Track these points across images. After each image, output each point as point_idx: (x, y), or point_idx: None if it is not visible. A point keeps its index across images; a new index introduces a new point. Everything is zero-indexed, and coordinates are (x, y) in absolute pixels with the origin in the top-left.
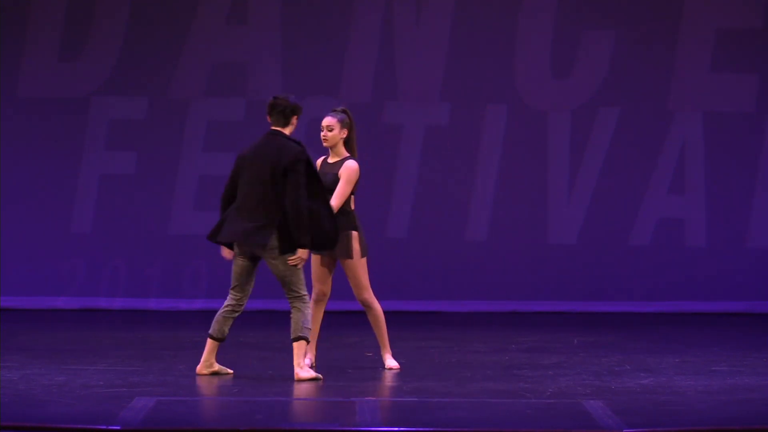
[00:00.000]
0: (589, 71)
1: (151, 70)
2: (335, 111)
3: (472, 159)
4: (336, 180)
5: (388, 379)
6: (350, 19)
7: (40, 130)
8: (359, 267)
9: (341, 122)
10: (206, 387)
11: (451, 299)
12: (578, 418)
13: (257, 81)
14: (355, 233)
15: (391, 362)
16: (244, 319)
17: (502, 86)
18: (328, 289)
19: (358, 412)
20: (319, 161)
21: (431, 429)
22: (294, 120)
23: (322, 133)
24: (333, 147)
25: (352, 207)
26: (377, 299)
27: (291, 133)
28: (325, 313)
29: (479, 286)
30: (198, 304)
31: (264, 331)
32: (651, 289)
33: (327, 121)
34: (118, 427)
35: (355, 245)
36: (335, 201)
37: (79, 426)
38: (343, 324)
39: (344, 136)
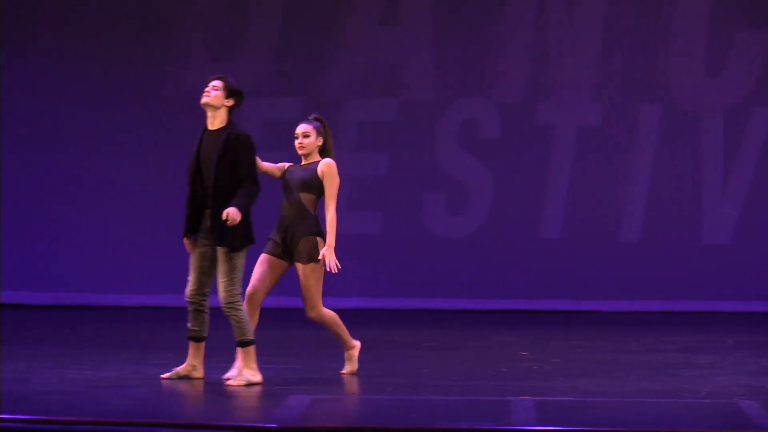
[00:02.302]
0: (743, 71)
1: (304, 71)
2: (309, 119)
3: (626, 159)
4: (304, 178)
5: (543, 378)
6: (502, 19)
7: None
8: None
9: (317, 130)
10: (360, 385)
11: (606, 299)
12: (734, 418)
13: (410, 82)
14: (320, 239)
15: (352, 364)
16: (394, 318)
17: (655, 86)
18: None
19: (512, 411)
20: (286, 166)
21: (586, 428)
22: None
23: (297, 141)
24: (308, 155)
25: (314, 212)
26: (534, 298)
27: None
28: (475, 312)
29: (634, 285)
30: (351, 303)
31: (413, 331)
32: None
33: (303, 128)
34: (275, 425)
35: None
36: (333, 205)
37: (235, 424)
38: (496, 323)
39: (320, 144)
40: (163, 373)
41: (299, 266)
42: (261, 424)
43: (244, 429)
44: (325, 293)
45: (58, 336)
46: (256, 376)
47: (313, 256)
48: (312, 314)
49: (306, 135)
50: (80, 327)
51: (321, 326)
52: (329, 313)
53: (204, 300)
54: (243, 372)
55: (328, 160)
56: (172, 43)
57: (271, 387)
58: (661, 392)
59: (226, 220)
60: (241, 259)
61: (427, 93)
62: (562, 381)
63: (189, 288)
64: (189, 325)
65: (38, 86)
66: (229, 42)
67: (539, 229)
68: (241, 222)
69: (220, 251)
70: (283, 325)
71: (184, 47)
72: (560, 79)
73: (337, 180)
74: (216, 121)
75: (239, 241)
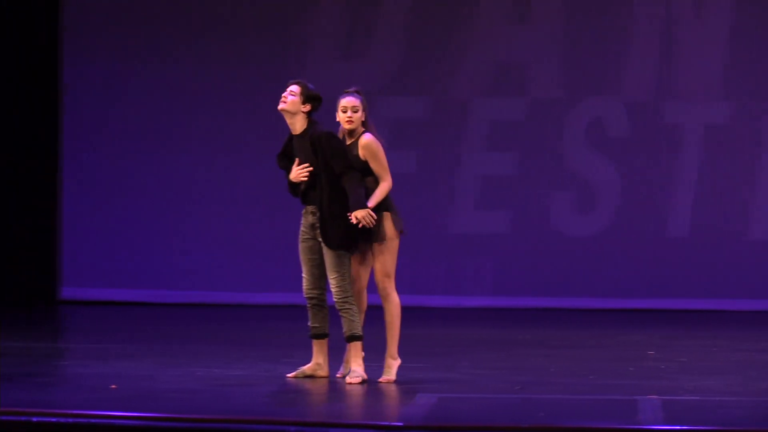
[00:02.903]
0: None
1: (433, 70)
2: (349, 92)
3: (753, 158)
4: (361, 162)
5: (670, 377)
6: (630, 17)
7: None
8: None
9: (363, 104)
10: (487, 384)
11: (735, 297)
12: None
13: (538, 80)
14: (388, 213)
15: (388, 373)
16: (521, 316)
17: None
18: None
19: (639, 410)
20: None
21: (713, 428)
22: None
23: (346, 115)
24: (353, 131)
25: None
26: (661, 297)
27: None
28: (602, 311)
29: (764, 283)
30: (479, 302)
31: (540, 329)
32: None
33: (352, 101)
34: (401, 424)
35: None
36: (387, 181)
37: (361, 422)
38: (623, 322)
39: (363, 119)
40: (290, 372)
41: (376, 245)
42: (387, 423)
43: (370, 427)
44: (455, 292)
45: (186, 334)
46: (364, 373)
47: (383, 234)
48: (384, 284)
49: (356, 109)
50: (208, 325)
51: (452, 325)
52: (396, 300)
53: (322, 295)
54: (353, 368)
55: (364, 140)
56: (298, 43)
57: (397, 385)
58: None
59: (332, 220)
60: (347, 254)
61: (554, 92)
62: (690, 380)
63: (305, 284)
64: (309, 322)
65: (159, 86)
66: (357, 41)
67: (666, 228)
68: (343, 221)
69: (326, 248)
70: (411, 324)
71: (311, 46)
72: (688, 78)
73: (381, 154)
74: (296, 126)
75: (342, 239)
